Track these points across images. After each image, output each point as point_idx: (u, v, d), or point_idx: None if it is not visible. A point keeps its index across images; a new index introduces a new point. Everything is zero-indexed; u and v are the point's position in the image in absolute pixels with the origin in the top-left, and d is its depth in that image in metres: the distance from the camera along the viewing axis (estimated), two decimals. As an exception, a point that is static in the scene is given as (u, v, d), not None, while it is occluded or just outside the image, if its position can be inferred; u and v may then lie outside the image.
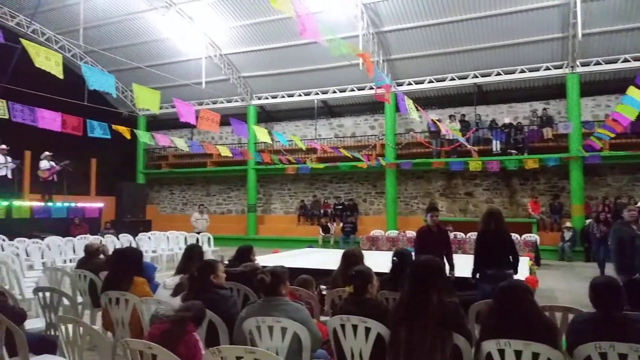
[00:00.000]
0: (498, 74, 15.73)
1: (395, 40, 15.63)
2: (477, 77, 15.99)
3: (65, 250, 10.36)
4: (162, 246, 12.69)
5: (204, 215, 15.65)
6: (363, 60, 6.69)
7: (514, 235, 12.36)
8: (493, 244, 5.20)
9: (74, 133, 8.29)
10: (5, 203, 12.21)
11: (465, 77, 16.15)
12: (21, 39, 6.01)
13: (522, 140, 15.28)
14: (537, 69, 15.24)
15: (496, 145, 15.49)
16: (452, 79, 16.31)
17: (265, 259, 7.65)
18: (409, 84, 16.82)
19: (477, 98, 16.52)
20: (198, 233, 14.32)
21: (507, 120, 15.82)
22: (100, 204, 15.21)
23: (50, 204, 13.52)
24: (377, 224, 16.45)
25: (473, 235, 12.34)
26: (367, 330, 3.07)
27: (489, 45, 14.99)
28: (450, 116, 16.52)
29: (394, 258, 4.40)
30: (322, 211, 18.20)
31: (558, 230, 14.69)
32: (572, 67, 14.70)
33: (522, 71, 15.40)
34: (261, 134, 11.17)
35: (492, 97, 17.22)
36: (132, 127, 12.07)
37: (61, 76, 5.88)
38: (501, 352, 2.69)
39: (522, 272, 7.30)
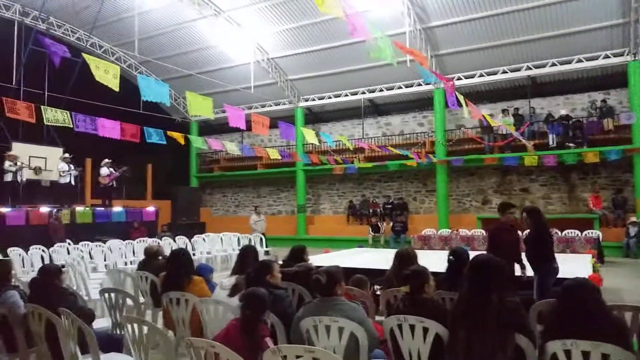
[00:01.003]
0: (553, 64, 15.09)
1: (443, 35, 15.33)
2: (530, 68, 15.41)
3: (126, 253, 10.81)
4: (216, 247, 13.01)
5: (261, 217, 15.91)
6: (414, 57, 6.57)
7: (575, 232, 11.97)
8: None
9: (132, 140, 8.66)
10: (69, 208, 12.90)
11: (518, 70, 15.61)
12: (83, 54, 6.35)
13: (580, 133, 14.60)
14: (596, 58, 14.52)
15: (553, 139, 14.88)
16: (504, 72, 15.80)
17: (317, 259, 7.70)
18: (459, 78, 16.44)
19: (531, 90, 15.93)
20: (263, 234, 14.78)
21: (563, 112, 15.16)
22: (156, 208, 15.79)
23: (110, 208, 14.17)
24: (428, 222, 16.19)
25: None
26: (425, 330, 3.03)
27: (542, 35, 14.41)
28: (503, 110, 16.03)
29: (450, 257, 4.31)
30: (371, 211, 18.10)
31: (622, 225, 13.93)
32: (634, 54, 13.89)
33: (579, 61, 14.71)
34: (309, 135, 11.27)
35: (547, 88, 16.55)
36: (185, 132, 12.50)
37: (117, 89, 6.18)
38: (567, 353, 2.58)
39: (585, 269, 7.01)
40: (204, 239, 13.09)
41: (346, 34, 14.18)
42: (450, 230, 14.16)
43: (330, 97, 19.07)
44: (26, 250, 9.43)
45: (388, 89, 17.87)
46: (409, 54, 6.63)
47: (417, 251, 4.95)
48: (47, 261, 9.23)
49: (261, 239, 13.93)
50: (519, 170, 16.36)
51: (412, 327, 3.07)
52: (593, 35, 14.10)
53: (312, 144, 16.68)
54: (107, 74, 6.07)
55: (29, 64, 14.17)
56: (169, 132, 10.03)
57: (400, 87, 17.59)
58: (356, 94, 18.49)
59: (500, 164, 15.73)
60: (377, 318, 4.29)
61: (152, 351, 3.39)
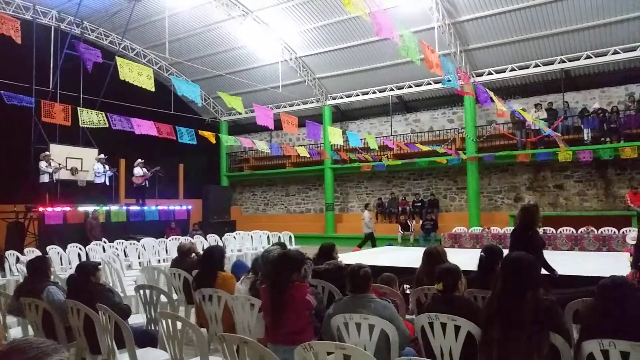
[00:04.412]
0: (588, 57, 14.65)
1: (472, 29, 15.07)
2: (564, 61, 14.99)
3: (159, 251, 11.04)
4: (246, 245, 13.16)
5: (370, 214, 15.91)
6: (428, 65, 6.50)
7: (612, 229, 11.60)
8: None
9: (168, 137, 8.86)
10: (105, 208, 13.26)
11: (551, 63, 15.21)
12: (116, 57, 6.52)
13: (615, 127, 14.14)
14: (633, 49, 14.00)
15: (587, 134, 14.46)
16: (537, 66, 15.42)
17: (346, 257, 7.69)
18: (489, 73, 16.14)
19: (564, 84, 15.51)
20: (372, 233, 14.95)
21: (597, 105, 14.68)
22: (188, 207, 16.06)
23: (143, 207, 14.49)
24: (458, 220, 15.95)
25: (565, 230, 11.67)
26: (457, 328, 3.00)
27: (576, 27, 14.00)
28: (536, 105, 15.65)
29: (482, 254, 4.25)
30: (400, 209, 17.98)
31: (663, 223, 13.43)
32: (674, 44, 13.38)
33: (616, 52, 14.23)
34: (334, 135, 11.27)
35: (582, 82, 16.09)
36: (215, 132, 12.68)
37: (152, 89, 6.34)
38: (605, 353, 2.51)
39: (623, 268, 6.78)
40: (234, 237, 13.26)
41: (373, 31, 14.12)
42: (481, 228, 13.93)
43: (357, 95, 19.01)
44: (64, 248, 9.73)
45: (416, 86, 17.69)
46: (427, 62, 6.49)
47: (447, 249, 4.90)
48: (83, 259, 9.50)
49: (290, 236, 14.01)
50: (553, 167, 15.99)
51: (443, 325, 3.05)
52: (630, 26, 13.61)
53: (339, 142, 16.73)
54: (140, 76, 6.23)
55: (65, 67, 14.62)
56: (200, 132, 10.20)
57: (429, 84, 17.38)
58: (384, 91, 18.37)
59: (533, 160, 15.38)
60: (407, 317, 4.26)
61: (185, 346, 3.46)
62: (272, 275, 3.54)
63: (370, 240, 14.96)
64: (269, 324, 3.49)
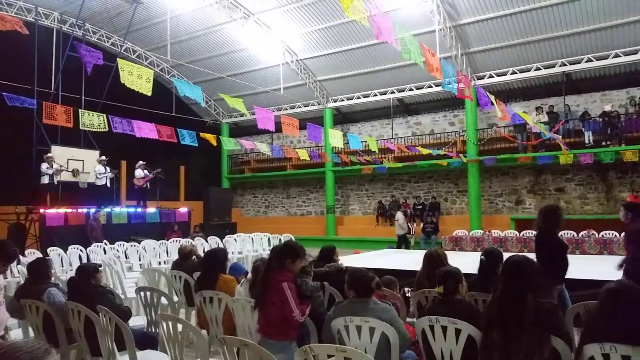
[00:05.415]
0: (589, 60, 14.65)
1: (474, 32, 15.09)
2: (565, 65, 14.99)
3: (160, 253, 11.03)
4: (247, 247, 13.15)
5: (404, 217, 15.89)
6: (428, 68, 6.50)
7: (613, 233, 11.59)
8: None
9: (169, 140, 8.87)
10: (106, 210, 13.26)
11: (552, 66, 15.21)
12: (118, 59, 6.53)
13: (617, 130, 14.12)
14: (635, 52, 14.01)
15: (589, 137, 14.45)
16: (538, 69, 15.43)
17: (347, 260, 7.68)
18: (490, 76, 16.15)
19: (566, 87, 15.51)
20: (405, 234, 15.04)
21: (607, 108, 14.60)
22: (189, 209, 16.04)
23: (145, 209, 14.49)
24: (459, 223, 15.94)
25: (566, 233, 11.65)
26: (458, 331, 3.00)
27: (577, 30, 14.01)
28: (537, 108, 15.65)
29: (483, 257, 4.24)
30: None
31: (664, 226, 13.38)
32: (675, 47, 13.37)
33: (617, 55, 14.22)
34: (335, 138, 11.28)
35: (583, 85, 16.09)
36: (217, 135, 12.70)
37: (150, 93, 6.36)
38: (606, 357, 2.51)
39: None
40: (235, 239, 13.24)
41: (374, 34, 14.15)
42: (482, 232, 13.91)
43: (359, 97, 19.02)
44: (65, 249, 9.72)
45: (417, 88, 17.69)
46: (427, 65, 6.49)
47: (448, 253, 4.90)
48: (84, 260, 9.50)
49: (291, 239, 13.97)
50: (554, 170, 15.97)
51: (444, 328, 3.04)
52: (631, 29, 13.61)
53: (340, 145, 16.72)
54: (140, 79, 6.25)
55: (67, 69, 14.64)
56: (201, 134, 10.22)
57: (430, 86, 17.38)
58: (385, 94, 18.38)
59: (534, 163, 15.38)
60: (408, 319, 4.26)
61: (186, 349, 3.46)
62: (269, 257, 3.67)
63: (403, 242, 15.01)
64: (258, 312, 3.55)
